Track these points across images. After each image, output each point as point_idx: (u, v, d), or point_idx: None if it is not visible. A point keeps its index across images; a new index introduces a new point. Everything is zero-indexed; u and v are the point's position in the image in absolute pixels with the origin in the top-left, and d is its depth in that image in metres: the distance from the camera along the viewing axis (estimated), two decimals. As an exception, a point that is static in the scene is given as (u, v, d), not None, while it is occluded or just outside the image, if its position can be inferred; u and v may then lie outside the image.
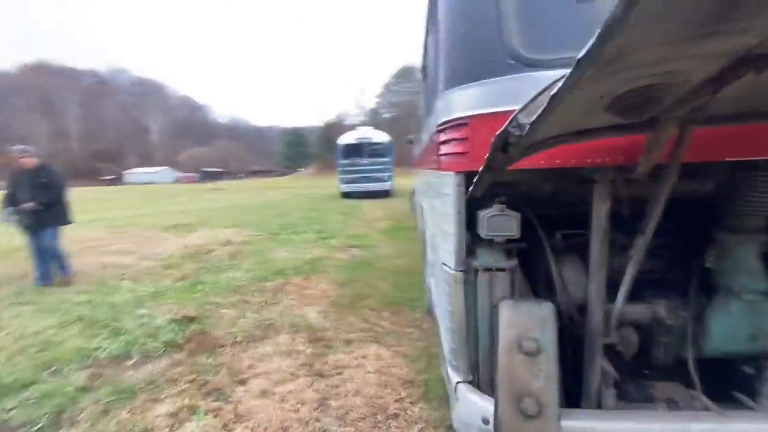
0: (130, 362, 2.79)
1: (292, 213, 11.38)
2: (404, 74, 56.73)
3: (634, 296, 1.36)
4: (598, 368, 1.35)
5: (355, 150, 15.28)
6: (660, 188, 1.14)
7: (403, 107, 57.38)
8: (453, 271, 1.47)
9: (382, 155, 15.31)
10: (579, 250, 1.43)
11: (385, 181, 15.36)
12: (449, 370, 1.61)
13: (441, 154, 1.56)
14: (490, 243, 1.43)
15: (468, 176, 1.39)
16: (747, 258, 1.27)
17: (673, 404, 1.37)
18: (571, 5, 1.21)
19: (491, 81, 1.24)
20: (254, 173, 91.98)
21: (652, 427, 1.17)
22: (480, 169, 1.32)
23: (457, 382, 1.53)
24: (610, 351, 1.42)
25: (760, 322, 1.28)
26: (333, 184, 28.61)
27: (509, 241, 1.40)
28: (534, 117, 0.75)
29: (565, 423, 1.20)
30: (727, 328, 1.30)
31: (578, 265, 1.45)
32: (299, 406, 2.20)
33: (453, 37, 1.40)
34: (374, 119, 57.21)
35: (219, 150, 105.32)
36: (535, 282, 1.53)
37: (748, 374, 1.33)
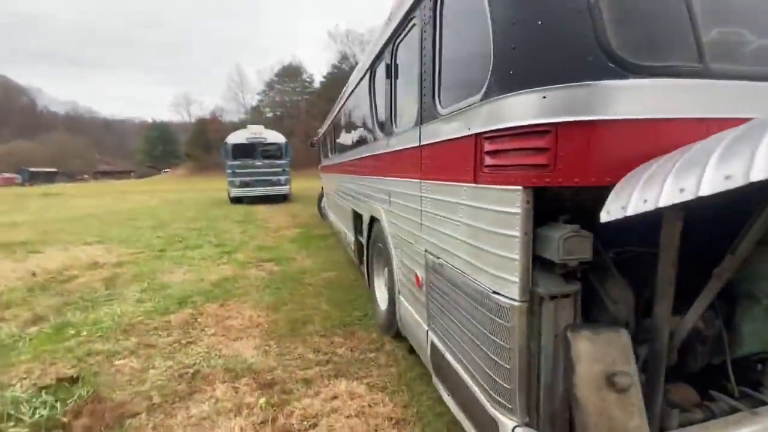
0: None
1: (174, 223, 9.68)
2: (289, 73, 54.75)
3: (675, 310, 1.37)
4: (662, 389, 1.31)
5: (247, 150, 13.91)
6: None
7: (288, 107, 55.45)
8: (516, 302, 1.27)
9: (279, 156, 14.31)
10: (635, 268, 1.39)
11: (283, 184, 14.38)
12: (498, 415, 1.40)
13: (490, 165, 1.34)
14: (551, 266, 1.27)
15: (537, 192, 1.21)
16: (765, 265, 1.40)
17: (706, 408, 1.43)
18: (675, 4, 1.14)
19: (584, 84, 1.08)
20: (103, 174, 76.66)
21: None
22: (561, 184, 1.15)
23: (515, 426, 1.33)
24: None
25: None
26: (214, 186, 25.73)
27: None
28: None
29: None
30: (753, 332, 1.42)
31: (632, 284, 1.40)
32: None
33: (517, 31, 1.19)
34: (256, 118, 53.73)
35: (51, 145, 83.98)
36: (589, 306, 1.43)
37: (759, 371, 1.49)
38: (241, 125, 55.19)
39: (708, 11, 1.16)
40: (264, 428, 2.07)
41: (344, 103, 4.96)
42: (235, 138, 14.06)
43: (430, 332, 2.08)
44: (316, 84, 57.03)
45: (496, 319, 1.36)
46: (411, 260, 2.31)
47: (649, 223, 1.12)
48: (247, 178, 13.82)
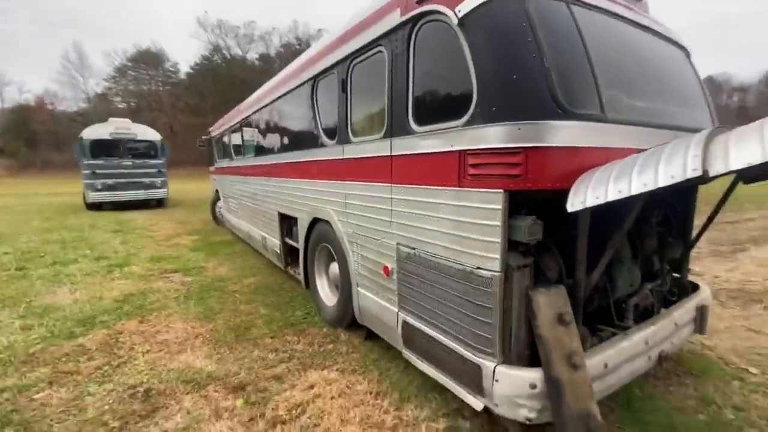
0: None
1: (18, 236, 7.73)
2: (148, 59, 47.64)
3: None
4: (581, 322, 1.97)
5: (110, 148, 11.84)
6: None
7: (147, 98, 48.30)
8: (497, 273, 1.75)
9: (153, 156, 12.58)
10: (563, 245, 2.01)
11: (159, 187, 12.69)
12: (481, 360, 1.86)
13: (473, 174, 1.80)
14: (515, 246, 1.80)
15: (512, 194, 1.72)
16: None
17: (598, 336, 2.17)
18: (596, 70, 1.77)
19: (542, 122, 1.62)
20: None
21: (633, 338, 1.99)
22: (528, 188, 1.68)
23: (496, 365, 1.81)
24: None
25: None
26: (50, 190, 20.85)
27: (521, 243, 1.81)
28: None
29: (592, 360, 1.76)
30: (622, 283, 2.22)
31: (562, 255, 2.02)
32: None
33: (500, 82, 1.68)
34: (103, 107, 45.15)
35: None
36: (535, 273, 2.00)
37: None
38: (82, 116, 45.76)
39: (604, 82, 1.85)
40: (254, 424, 2.14)
41: (265, 106, 4.93)
42: (95, 133, 11.82)
43: (401, 312, 2.45)
44: (182, 75, 51.13)
45: (481, 287, 1.82)
46: (377, 254, 2.65)
47: (574, 214, 1.73)
48: (112, 181, 11.79)
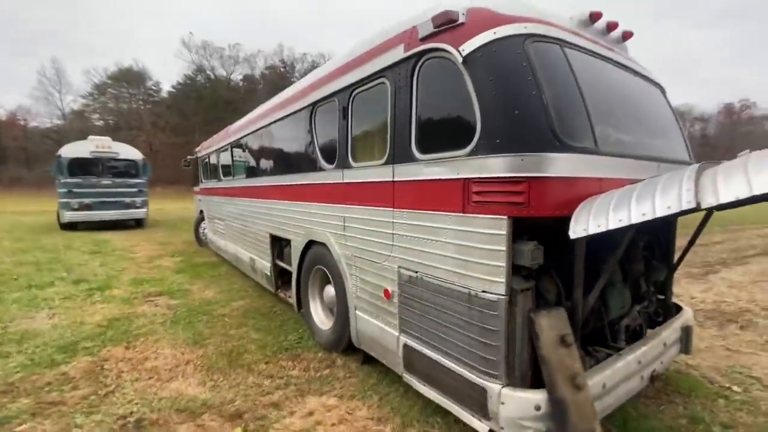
0: None
1: (-17, 257, 7.33)
2: (129, 78, 47.15)
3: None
4: (579, 344, 2.04)
5: (90, 166, 11.51)
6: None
7: (127, 117, 47.45)
8: (502, 296, 1.82)
9: (134, 175, 12.29)
10: (561, 269, 2.10)
11: (139, 207, 12.35)
12: (486, 383, 1.90)
13: (478, 201, 1.89)
14: (518, 270, 1.88)
15: (515, 220, 1.81)
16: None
17: (593, 357, 2.25)
18: (588, 107, 1.92)
19: (543, 154, 1.74)
20: None
21: (627, 358, 2.08)
22: (531, 215, 1.78)
23: (501, 388, 1.85)
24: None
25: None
26: (19, 209, 19.88)
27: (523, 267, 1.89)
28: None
29: (591, 380, 1.82)
30: (614, 305, 2.32)
31: (561, 279, 2.11)
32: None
33: (503, 116, 1.80)
34: (80, 125, 44.05)
35: None
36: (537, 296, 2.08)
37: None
38: (56, 132, 44.39)
39: (595, 118, 2.00)
40: (255, 454, 2.08)
41: (258, 129, 4.98)
42: (74, 151, 11.50)
43: (402, 336, 2.48)
44: (164, 93, 50.70)
45: (486, 310, 1.88)
46: (377, 277, 2.68)
47: (572, 241, 1.83)
48: (89, 200, 11.41)
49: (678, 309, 2.90)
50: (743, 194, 1.14)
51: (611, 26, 2.53)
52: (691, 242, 2.66)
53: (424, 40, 2.19)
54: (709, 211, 2.44)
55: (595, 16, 2.41)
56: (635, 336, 2.53)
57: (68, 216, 11.18)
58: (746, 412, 2.54)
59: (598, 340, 2.40)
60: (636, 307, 2.59)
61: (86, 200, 11.36)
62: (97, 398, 2.58)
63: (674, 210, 1.30)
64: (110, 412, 2.43)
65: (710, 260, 7.55)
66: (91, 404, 2.51)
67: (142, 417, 2.38)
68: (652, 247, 2.86)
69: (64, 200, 11.19)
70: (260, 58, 53.65)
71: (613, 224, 1.47)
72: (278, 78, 50.84)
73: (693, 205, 1.24)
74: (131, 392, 2.66)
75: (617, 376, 2.07)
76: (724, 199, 1.17)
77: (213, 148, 7.63)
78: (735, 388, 2.85)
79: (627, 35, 2.67)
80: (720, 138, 55.52)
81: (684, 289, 5.50)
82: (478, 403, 1.95)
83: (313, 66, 51.44)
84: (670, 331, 2.57)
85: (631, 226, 1.46)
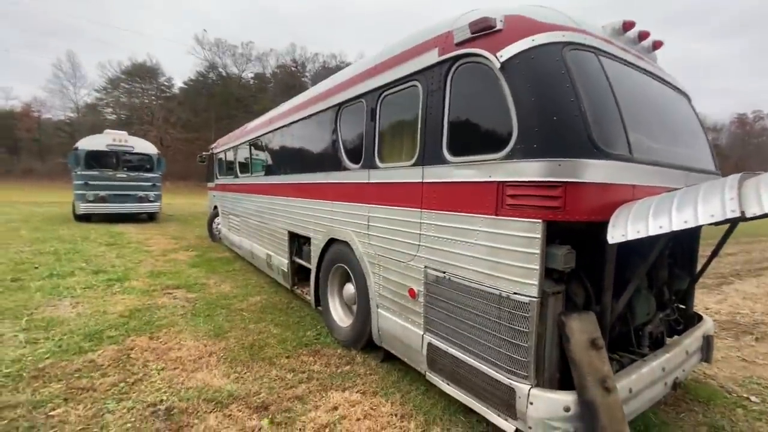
0: None
1: (8, 246, 7.47)
2: (143, 73, 47.68)
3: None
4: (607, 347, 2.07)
5: (106, 159, 11.72)
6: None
7: (139, 111, 47.97)
8: (534, 299, 1.86)
9: (149, 169, 12.47)
10: (591, 274, 2.13)
11: (152, 201, 12.52)
12: (515, 383, 1.93)
13: (512, 204, 1.93)
14: (550, 273, 1.91)
15: (549, 224, 1.85)
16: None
17: (618, 362, 2.27)
18: (623, 114, 1.96)
19: (580, 160, 1.77)
20: None
21: (652, 365, 2.10)
22: (566, 219, 1.81)
23: (530, 388, 1.89)
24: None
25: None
26: (33, 199, 20.25)
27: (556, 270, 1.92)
28: None
29: (619, 384, 1.85)
30: (640, 311, 2.35)
31: (591, 283, 2.14)
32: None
33: (541, 122, 1.84)
34: (91, 118, 44.67)
35: None
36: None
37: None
38: (69, 125, 45.01)
39: (630, 125, 2.03)
40: (283, 444, 2.13)
41: (279, 128, 5.05)
42: (90, 144, 11.70)
43: (426, 335, 2.52)
44: (176, 89, 51.19)
45: (517, 312, 1.92)
46: (402, 276, 2.72)
47: (601, 243, 1.86)
48: (104, 192, 11.58)
49: (699, 318, 2.92)
50: (788, 205, 1.17)
51: (642, 35, 2.56)
52: (715, 252, 2.67)
53: (460, 45, 2.23)
54: (735, 222, 2.47)
55: (627, 26, 2.44)
56: (656, 343, 2.55)
57: (83, 207, 11.36)
58: (765, 422, 2.54)
59: (621, 345, 2.43)
60: (659, 314, 2.61)
61: (101, 192, 11.53)
62: (126, 386, 2.65)
63: (718, 218, 1.33)
64: (140, 399, 2.50)
65: (724, 272, 7.50)
66: (121, 391, 2.58)
67: (172, 405, 2.44)
68: (675, 256, 2.88)
69: (80, 192, 11.38)
70: (272, 57, 53.98)
71: (653, 230, 1.50)
72: (289, 77, 51.19)
73: (737, 214, 1.27)
74: (159, 381, 2.73)
75: (643, 382, 2.09)
76: (770, 209, 1.20)
77: (230, 144, 7.73)
78: (753, 398, 2.85)
79: (657, 45, 2.69)
80: (732, 148, 54.92)
81: (698, 299, 5.47)
82: (506, 403, 1.98)
83: (324, 66, 51.75)
84: (692, 340, 2.58)
85: (669, 234, 1.50)
